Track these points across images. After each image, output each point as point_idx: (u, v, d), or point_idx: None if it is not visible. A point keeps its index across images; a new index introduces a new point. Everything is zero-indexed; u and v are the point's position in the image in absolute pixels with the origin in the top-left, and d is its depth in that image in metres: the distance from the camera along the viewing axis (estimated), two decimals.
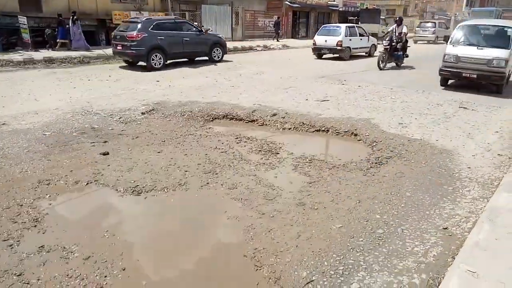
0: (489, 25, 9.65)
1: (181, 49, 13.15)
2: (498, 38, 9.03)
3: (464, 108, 7.54)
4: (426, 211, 3.57)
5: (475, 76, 8.90)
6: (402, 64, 13.49)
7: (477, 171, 4.49)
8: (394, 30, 12.95)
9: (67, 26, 16.03)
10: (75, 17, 15.94)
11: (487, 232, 2.91)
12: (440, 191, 3.99)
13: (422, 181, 4.22)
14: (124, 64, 13.43)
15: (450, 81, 10.07)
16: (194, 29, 13.89)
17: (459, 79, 9.49)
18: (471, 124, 6.42)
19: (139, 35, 11.91)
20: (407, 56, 13.58)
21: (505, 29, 9.11)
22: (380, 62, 12.86)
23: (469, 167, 4.61)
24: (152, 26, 12.33)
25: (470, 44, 9.19)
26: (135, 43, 11.88)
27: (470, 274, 2.40)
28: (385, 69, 13.05)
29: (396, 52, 13.00)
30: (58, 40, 16.13)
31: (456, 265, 2.53)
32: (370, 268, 2.73)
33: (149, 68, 12.22)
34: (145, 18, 13.11)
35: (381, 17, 28.73)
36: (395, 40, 12.75)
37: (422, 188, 4.05)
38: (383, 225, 3.31)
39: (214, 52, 14.35)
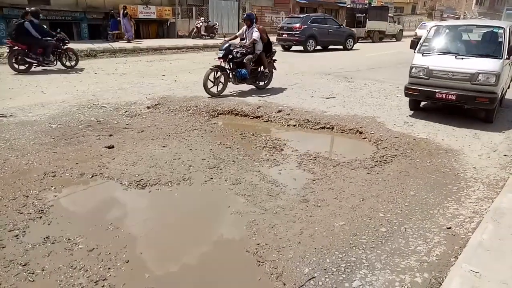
0: (473, 25, 7.26)
1: (326, 38, 18.18)
2: (486, 44, 6.42)
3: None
4: (430, 210, 3.56)
5: (453, 97, 5.98)
6: (268, 87, 8.77)
7: (482, 171, 4.47)
8: (244, 34, 8.26)
9: (118, 19, 17.46)
10: (125, 11, 17.27)
11: (491, 232, 2.90)
12: (444, 190, 3.97)
13: (427, 180, 4.20)
14: (131, 57, 13.44)
15: (424, 103, 7.35)
16: (335, 23, 18.95)
17: (432, 101, 6.59)
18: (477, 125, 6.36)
19: (301, 27, 17.22)
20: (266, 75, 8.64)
21: (495, 30, 6.37)
22: (208, 85, 7.55)
23: (475, 167, 4.58)
24: (309, 20, 17.65)
25: (446, 52, 6.35)
26: (298, 32, 17.12)
27: (473, 274, 2.39)
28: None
29: (242, 69, 7.87)
30: (110, 32, 17.55)
31: (459, 265, 2.52)
32: (372, 266, 2.73)
33: (305, 50, 17.31)
34: (305, 15, 18.55)
35: (389, 14, 28.46)
36: (239, 51, 7.91)
37: (426, 187, 4.03)
38: (386, 223, 3.31)
39: (348, 42, 19.09)
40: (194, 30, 21.37)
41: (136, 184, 3.98)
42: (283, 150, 5.09)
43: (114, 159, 4.60)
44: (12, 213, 3.35)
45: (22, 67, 9.90)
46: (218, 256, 2.93)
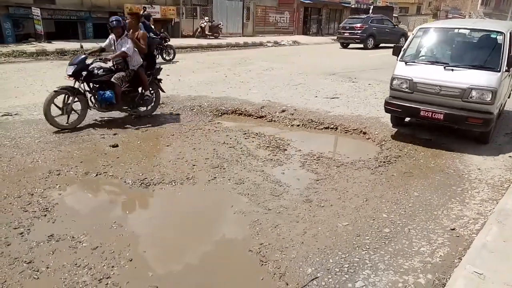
0: (467, 28, 5.76)
1: (383, 36, 20.33)
2: (482, 52, 5.33)
3: None
4: (433, 211, 3.54)
5: (441, 116, 4.95)
6: (154, 113, 6.49)
7: (487, 173, 4.44)
8: (113, 45, 6.00)
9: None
10: (145, 12, 17.05)
11: (495, 234, 2.88)
12: (448, 191, 3.96)
13: (431, 181, 4.19)
14: None
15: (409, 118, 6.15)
16: (391, 24, 21.50)
17: (416, 119, 5.52)
18: None
19: (363, 26, 19.69)
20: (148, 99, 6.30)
21: (493, 36, 5.33)
22: (50, 114, 5.33)
23: (479, 168, 4.56)
24: (370, 21, 20.18)
25: (434, 62, 5.30)
26: (360, 31, 19.60)
27: (476, 275, 2.38)
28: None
29: (106, 91, 5.68)
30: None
31: (463, 266, 2.52)
32: (375, 267, 2.72)
33: (364, 48, 19.56)
34: (366, 16, 21.12)
35: (393, 15, 28.38)
36: (103, 66, 5.89)
37: (430, 188, 4.02)
38: (390, 224, 3.30)
39: (401, 40, 19.91)
40: (198, 30, 21.40)
41: (140, 183, 3.99)
42: (286, 150, 5.09)
43: (118, 158, 4.62)
44: (17, 211, 3.37)
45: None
46: (221, 256, 2.94)
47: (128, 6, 18.77)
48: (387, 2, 39.21)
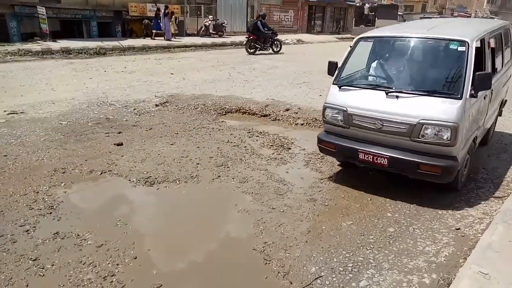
0: (418, 38, 4.06)
1: None
2: (437, 71, 3.92)
3: None
4: (438, 211, 3.53)
5: (384, 161, 3.64)
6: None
7: (493, 172, 4.41)
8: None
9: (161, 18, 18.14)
10: (167, 10, 18.02)
11: (501, 234, 2.86)
12: (453, 191, 3.93)
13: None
14: (140, 55, 13.50)
15: None
16: None
17: (355, 162, 4.00)
18: None
19: None
20: None
21: (453, 46, 3.73)
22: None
23: (484, 168, 4.53)
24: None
25: (374, 85, 3.95)
26: None
27: (481, 275, 2.37)
28: None
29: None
30: (153, 31, 18.22)
31: (468, 266, 2.50)
32: (379, 266, 2.72)
33: None
34: (438, 16, 20.65)
35: (398, 13, 28.27)
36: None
37: (435, 187, 3.99)
38: (394, 223, 3.29)
39: None
40: (203, 29, 21.41)
41: (144, 181, 4.01)
42: (290, 148, 5.08)
43: (123, 156, 4.64)
44: (23, 209, 3.40)
45: (251, 50, 15.12)
46: (225, 254, 2.94)
47: (133, 5, 18.82)
48: (392, 1, 38.99)
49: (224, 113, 6.77)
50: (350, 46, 4.25)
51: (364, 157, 3.72)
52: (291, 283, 2.56)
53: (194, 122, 6.12)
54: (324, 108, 4.03)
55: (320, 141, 4.09)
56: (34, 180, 3.93)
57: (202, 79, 9.55)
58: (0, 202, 3.49)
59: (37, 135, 5.24)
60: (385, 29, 4.78)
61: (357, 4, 30.92)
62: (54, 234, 3.03)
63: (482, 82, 3.40)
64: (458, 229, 3.23)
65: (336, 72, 4.12)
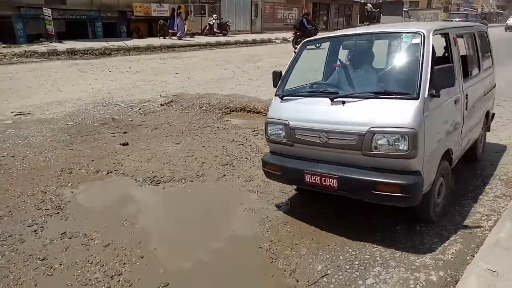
0: (370, 34, 3.78)
1: None
2: (389, 70, 3.45)
3: None
4: (445, 207, 3.50)
5: (334, 183, 2.91)
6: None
7: (500, 169, 4.37)
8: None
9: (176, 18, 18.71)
10: (179, 10, 18.48)
11: (509, 230, 2.84)
12: (461, 188, 3.90)
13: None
14: (144, 55, 13.56)
15: None
16: (478, 18, 25.25)
17: (303, 186, 3.37)
18: (495, 120, 6.21)
19: (466, 21, 23.11)
20: None
21: (406, 39, 3.23)
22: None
23: (492, 164, 4.48)
24: (466, 16, 25.51)
25: (317, 92, 3.51)
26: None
27: (489, 272, 2.35)
28: None
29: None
30: (169, 31, 18.81)
31: (475, 264, 2.48)
32: (386, 264, 2.70)
33: None
34: (464, 13, 25.19)
35: (403, 9, 28.07)
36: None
37: (405, 219, 3.95)
38: (401, 221, 3.27)
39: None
40: (207, 28, 21.44)
41: (150, 181, 4.02)
42: None
43: (128, 156, 4.67)
44: (30, 209, 3.43)
45: (296, 46, 18.22)
46: (231, 252, 2.95)
47: (137, 6, 18.90)
48: None
49: (229, 112, 6.77)
50: (295, 52, 3.78)
51: (311, 179, 3.00)
52: (298, 281, 2.55)
53: (199, 121, 6.13)
54: (266, 124, 3.36)
55: (264, 164, 3.39)
56: (42, 181, 3.97)
57: (206, 78, 9.57)
58: (8, 203, 3.53)
59: (44, 136, 5.28)
60: (342, 31, 4.17)
61: (362, 1, 30.74)
62: (61, 234, 3.06)
63: (443, 77, 2.80)
64: (466, 226, 3.21)
65: (280, 81, 3.53)
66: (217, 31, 21.42)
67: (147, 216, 3.46)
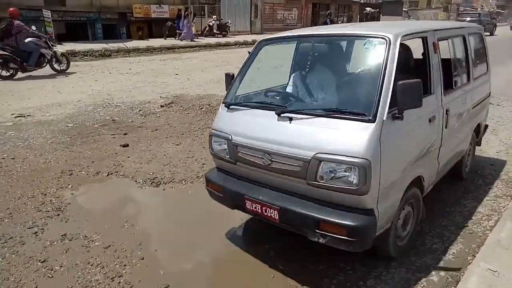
0: (328, 36, 3.05)
1: (487, 25, 25.11)
2: (348, 81, 2.94)
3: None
4: (446, 208, 3.50)
5: (275, 215, 2.45)
6: None
7: (500, 168, 4.37)
8: None
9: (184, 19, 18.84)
10: (186, 12, 18.72)
11: (510, 230, 2.83)
12: (461, 188, 3.90)
13: (443, 178, 4.12)
14: (144, 57, 13.57)
15: None
16: (489, 17, 28.01)
17: (245, 212, 2.79)
18: (495, 120, 6.22)
19: (479, 19, 26.15)
20: None
21: (368, 46, 2.56)
22: None
23: (492, 164, 4.48)
24: (479, 15, 27.47)
25: (264, 104, 2.82)
26: (477, 23, 29.49)
27: (490, 273, 2.35)
28: None
29: None
30: (177, 31, 18.90)
31: (476, 264, 2.48)
32: (387, 265, 2.70)
33: None
34: (478, 12, 27.06)
35: (403, 9, 28.09)
36: None
37: (443, 184, 3.96)
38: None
39: (494, 29, 27.77)
40: (207, 29, 21.46)
41: (150, 182, 4.02)
42: None
43: (129, 157, 4.66)
44: (31, 211, 3.43)
45: None
46: (232, 253, 2.94)
47: (137, 7, 18.91)
48: None
49: None
50: (249, 52, 3.19)
51: (252, 206, 2.56)
52: (298, 282, 2.55)
53: (199, 122, 6.13)
54: (210, 137, 2.91)
55: (207, 181, 2.95)
56: (42, 183, 3.97)
57: (207, 79, 9.57)
58: (8, 205, 3.53)
59: (44, 138, 5.28)
60: (306, 29, 3.65)
61: (362, 1, 30.74)
62: (62, 235, 3.06)
63: (406, 96, 2.17)
64: (466, 226, 3.20)
65: (230, 87, 3.02)
66: (217, 32, 21.43)
67: (147, 217, 3.45)
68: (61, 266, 2.71)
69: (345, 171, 2.20)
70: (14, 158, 4.57)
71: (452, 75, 3.24)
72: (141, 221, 3.35)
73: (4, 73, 9.14)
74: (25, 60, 9.19)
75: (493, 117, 6.35)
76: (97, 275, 2.62)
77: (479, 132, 4.17)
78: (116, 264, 2.74)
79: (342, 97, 2.75)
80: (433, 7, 49.01)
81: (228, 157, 2.75)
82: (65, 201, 3.63)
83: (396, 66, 2.31)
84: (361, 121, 2.23)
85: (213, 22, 21.42)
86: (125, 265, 2.73)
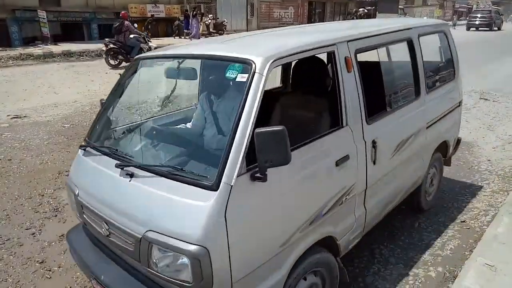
0: (192, 57, 2.15)
1: (496, 21, 29.38)
2: (199, 125, 2.32)
3: (484, 99, 7.33)
4: (443, 204, 3.51)
5: None
6: None
7: (497, 164, 4.39)
8: None
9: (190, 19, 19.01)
10: (194, 12, 18.90)
11: (507, 225, 2.85)
12: (458, 184, 3.92)
13: None
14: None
15: None
16: (498, 14, 29.95)
17: None
18: (491, 116, 6.25)
19: (490, 16, 28.81)
20: None
21: (230, 75, 1.68)
22: None
23: (489, 160, 4.50)
24: (489, 11, 29.38)
25: (113, 149, 2.03)
26: (488, 19, 28.52)
27: (488, 267, 2.36)
28: None
29: None
30: (184, 31, 19.16)
31: (474, 259, 2.49)
32: (385, 261, 2.71)
33: (489, 29, 28.16)
34: (489, 9, 26.89)
35: (399, 6, 28.14)
36: None
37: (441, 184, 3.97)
38: (400, 218, 3.28)
39: (501, 25, 30.40)
40: (203, 28, 21.42)
41: None
42: None
43: None
44: (28, 212, 3.42)
45: None
46: None
47: (133, 6, 18.86)
48: None
49: None
50: (120, 74, 2.56)
51: (93, 283, 1.95)
52: None
53: None
54: (66, 185, 2.31)
55: (67, 240, 2.30)
56: (39, 184, 3.96)
57: None
58: (6, 206, 3.52)
59: (40, 139, 5.26)
60: (168, 49, 2.75)
61: None
62: (59, 236, 3.05)
63: (266, 149, 1.48)
64: (463, 221, 3.22)
65: (94, 121, 2.32)
66: (213, 31, 21.40)
67: None
68: (59, 267, 2.70)
69: (176, 260, 1.54)
70: (10, 159, 4.56)
71: (385, 94, 2.45)
72: None
73: (113, 62, 11.30)
74: (129, 53, 11.10)
75: (489, 113, 6.38)
76: None
77: (448, 150, 3.44)
78: None
79: (190, 150, 2.07)
80: (429, 4, 49.08)
81: (78, 215, 2.13)
82: (62, 201, 3.61)
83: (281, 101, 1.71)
84: (203, 187, 1.54)
85: (210, 21, 21.39)
86: None
